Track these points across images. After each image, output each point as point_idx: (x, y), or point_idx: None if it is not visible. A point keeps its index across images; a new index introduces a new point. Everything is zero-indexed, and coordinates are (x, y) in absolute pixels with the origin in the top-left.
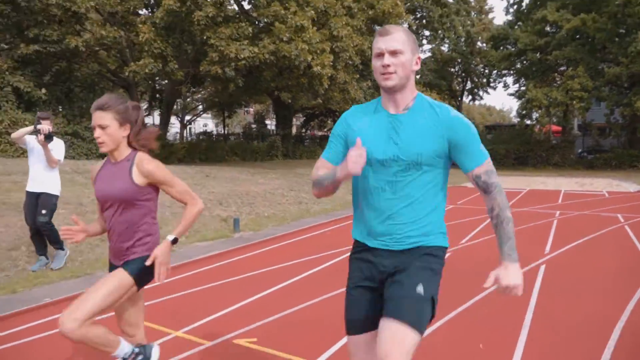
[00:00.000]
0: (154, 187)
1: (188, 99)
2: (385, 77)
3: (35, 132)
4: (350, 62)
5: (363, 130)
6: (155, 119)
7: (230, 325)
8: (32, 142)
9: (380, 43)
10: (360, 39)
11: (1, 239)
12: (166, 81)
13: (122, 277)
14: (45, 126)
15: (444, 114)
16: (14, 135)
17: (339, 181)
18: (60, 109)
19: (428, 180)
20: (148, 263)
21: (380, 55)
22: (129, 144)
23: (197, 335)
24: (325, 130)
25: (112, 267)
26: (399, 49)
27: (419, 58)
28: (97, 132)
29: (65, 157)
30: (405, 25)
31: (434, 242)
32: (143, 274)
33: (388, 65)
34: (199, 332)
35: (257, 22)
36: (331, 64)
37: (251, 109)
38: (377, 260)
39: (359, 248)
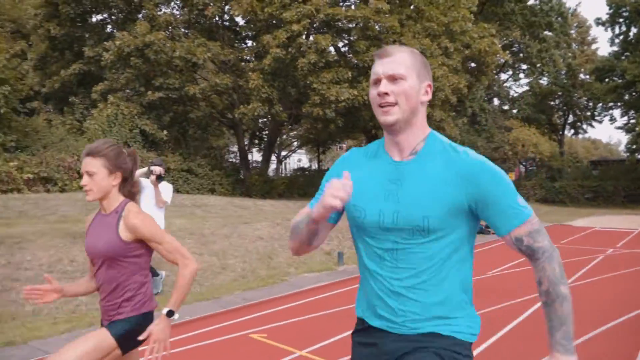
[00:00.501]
0: (144, 242)
1: (284, 136)
2: (384, 110)
3: (149, 172)
4: (446, 100)
5: (357, 183)
6: (254, 155)
7: (349, 349)
8: (146, 183)
9: (378, 66)
10: (456, 77)
11: None
12: (269, 117)
13: (102, 338)
14: (158, 168)
15: (462, 158)
16: None
17: (315, 221)
18: (177, 148)
19: (442, 248)
20: (142, 338)
21: (377, 81)
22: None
23: (319, 355)
24: None
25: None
26: (400, 74)
27: (429, 86)
28: (84, 179)
29: (180, 192)
30: (502, 60)
31: (452, 330)
32: (127, 338)
33: (386, 94)
34: (321, 352)
35: (356, 66)
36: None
37: (344, 145)
38: (380, 343)
39: (360, 327)
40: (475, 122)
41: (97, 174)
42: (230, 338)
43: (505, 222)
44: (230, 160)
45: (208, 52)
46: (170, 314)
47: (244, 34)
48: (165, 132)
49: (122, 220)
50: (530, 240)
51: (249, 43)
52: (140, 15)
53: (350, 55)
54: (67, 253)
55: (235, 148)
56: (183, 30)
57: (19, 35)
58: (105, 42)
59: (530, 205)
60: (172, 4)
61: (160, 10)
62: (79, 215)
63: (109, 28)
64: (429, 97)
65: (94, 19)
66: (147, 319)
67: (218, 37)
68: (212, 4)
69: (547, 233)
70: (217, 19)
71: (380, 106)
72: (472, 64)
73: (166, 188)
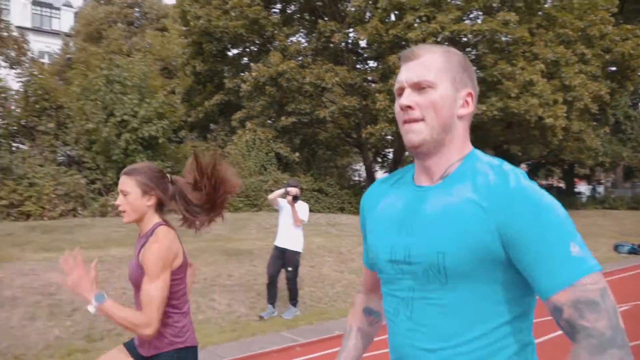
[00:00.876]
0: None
1: (407, 152)
2: (406, 127)
3: (285, 194)
4: (585, 110)
5: (377, 216)
6: (377, 174)
7: None
8: (283, 203)
9: (401, 73)
10: (595, 84)
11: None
12: (395, 136)
13: None
14: (294, 189)
15: (497, 180)
16: (270, 196)
17: None
18: (308, 169)
19: (470, 303)
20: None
21: (400, 92)
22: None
23: None
24: (554, 178)
25: (134, 351)
26: (428, 80)
27: (469, 95)
28: (119, 199)
29: (312, 211)
30: None
31: None
32: None
33: (408, 107)
34: None
35: (483, 81)
36: (564, 114)
37: None
38: None
39: None
40: (619, 131)
41: (130, 193)
42: (381, 353)
43: (543, 279)
44: (354, 179)
45: (336, 77)
46: (98, 297)
47: (365, 55)
48: (297, 154)
49: (147, 244)
50: (574, 314)
51: (371, 63)
52: (271, 47)
53: (478, 70)
54: (225, 268)
55: (357, 166)
56: (311, 57)
57: (165, 72)
58: (242, 74)
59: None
60: (299, 33)
61: (290, 41)
62: (229, 234)
63: (244, 60)
64: (471, 109)
65: (230, 54)
66: (186, 354)
67: (343, 61)
68: (337, 31)
69: (614, 310)
70: (342, 44)
71: (404, 122)
72: (614, 69)
73: (302, 207)
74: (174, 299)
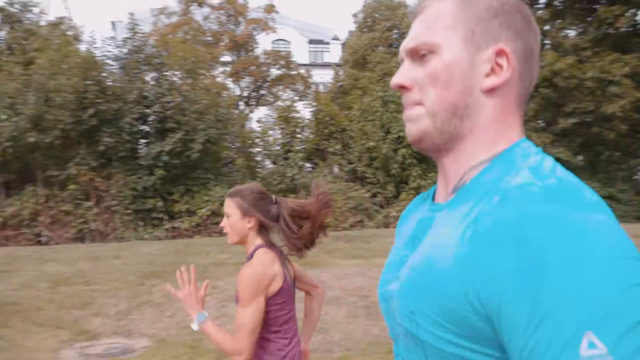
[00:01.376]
0: (267, 296)
1: None
2: (404, 114)
3: None
4: None
5: (395, 242)
6: None
7: None
8: None
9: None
10: None
11: None
12: None
13: None
14: None
15: (492, 211)
16: None
17: None
18: (593, 174)
19: None
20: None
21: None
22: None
23: None
24: None
25: None
26: (425, 42)
27: (500, 52)
28: (223, 221)
29: None
30: None
31: None
32: None
33: (402, 87)
34: None
35: None
36: None
37: None
38: None
39: None
40: None
41: (231, 215)
42: None
43: None
44: None
45: (625, 67)
46: (200, 316)
47: None
48: (580, 157)
49: (242, 268)
50: None
51: None
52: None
53: None
54: None
55: None
56: (590, 50)
57: None
58: None
59: None
60: (573, 26)
61: (562, 35)
62: None
63: None
64: (505, 75)
65: None
66: None
67: (630, 48)
68: (622, 14)
69: None
70: (624, 28)
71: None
72: None
73: None
74: (275, 325)
